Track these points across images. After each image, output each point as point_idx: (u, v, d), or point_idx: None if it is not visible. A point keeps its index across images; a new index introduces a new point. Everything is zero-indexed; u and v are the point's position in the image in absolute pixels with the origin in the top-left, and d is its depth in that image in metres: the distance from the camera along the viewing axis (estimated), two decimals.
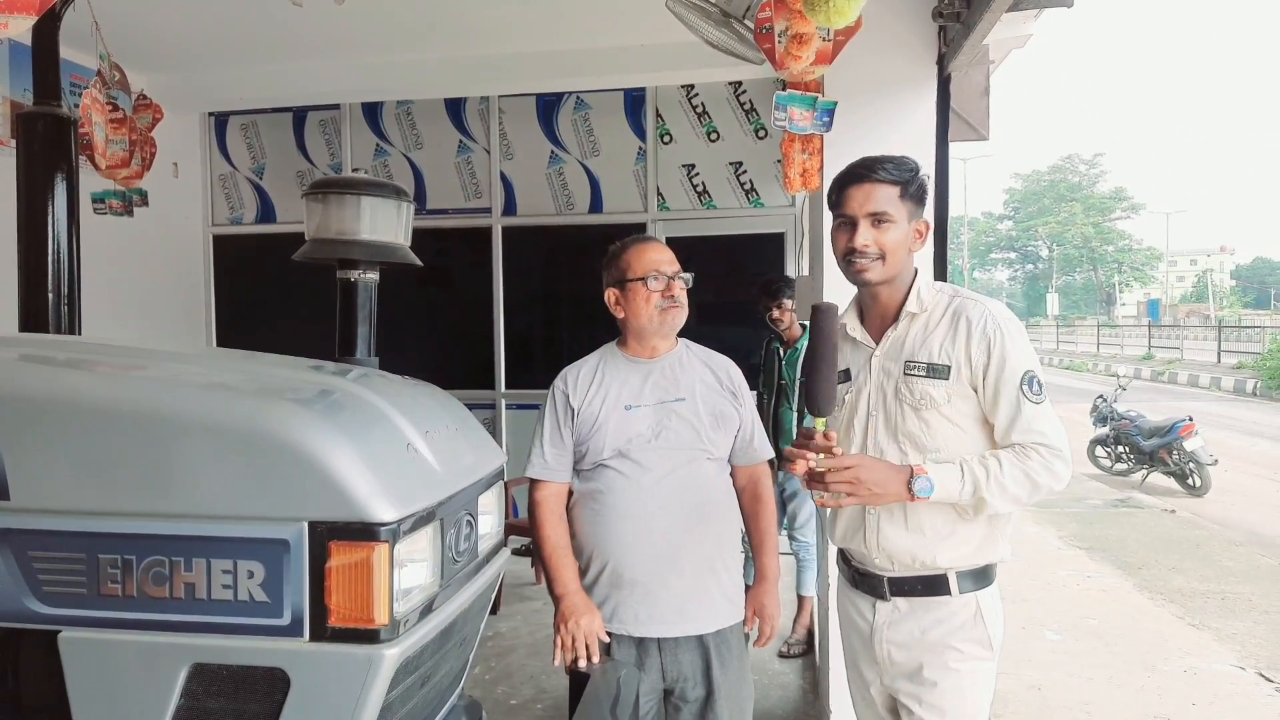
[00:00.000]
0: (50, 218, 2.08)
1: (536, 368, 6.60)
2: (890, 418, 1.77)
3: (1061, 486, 1.70)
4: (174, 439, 1.36)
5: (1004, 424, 1.70)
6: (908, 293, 1.80)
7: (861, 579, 1.85)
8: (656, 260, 2.05)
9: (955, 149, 4.33)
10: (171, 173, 6.30)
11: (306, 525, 1.31)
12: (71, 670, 1.33)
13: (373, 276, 2.04)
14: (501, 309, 6.63)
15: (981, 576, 1.78)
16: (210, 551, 1.32)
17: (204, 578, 1.32)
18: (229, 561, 1.32)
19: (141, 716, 1.31)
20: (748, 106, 6.12)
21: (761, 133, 6.11)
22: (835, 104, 2.62)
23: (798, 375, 3.51)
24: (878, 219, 1.74)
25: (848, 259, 1.76)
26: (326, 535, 1.31)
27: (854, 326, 1.87)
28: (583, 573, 2.00)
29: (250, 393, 1.48)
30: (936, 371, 1.72)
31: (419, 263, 2.19)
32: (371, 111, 6.68)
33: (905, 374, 1.75)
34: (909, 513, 1.75)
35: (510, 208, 6.56)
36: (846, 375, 1.85)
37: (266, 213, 6.92)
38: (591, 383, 2.05)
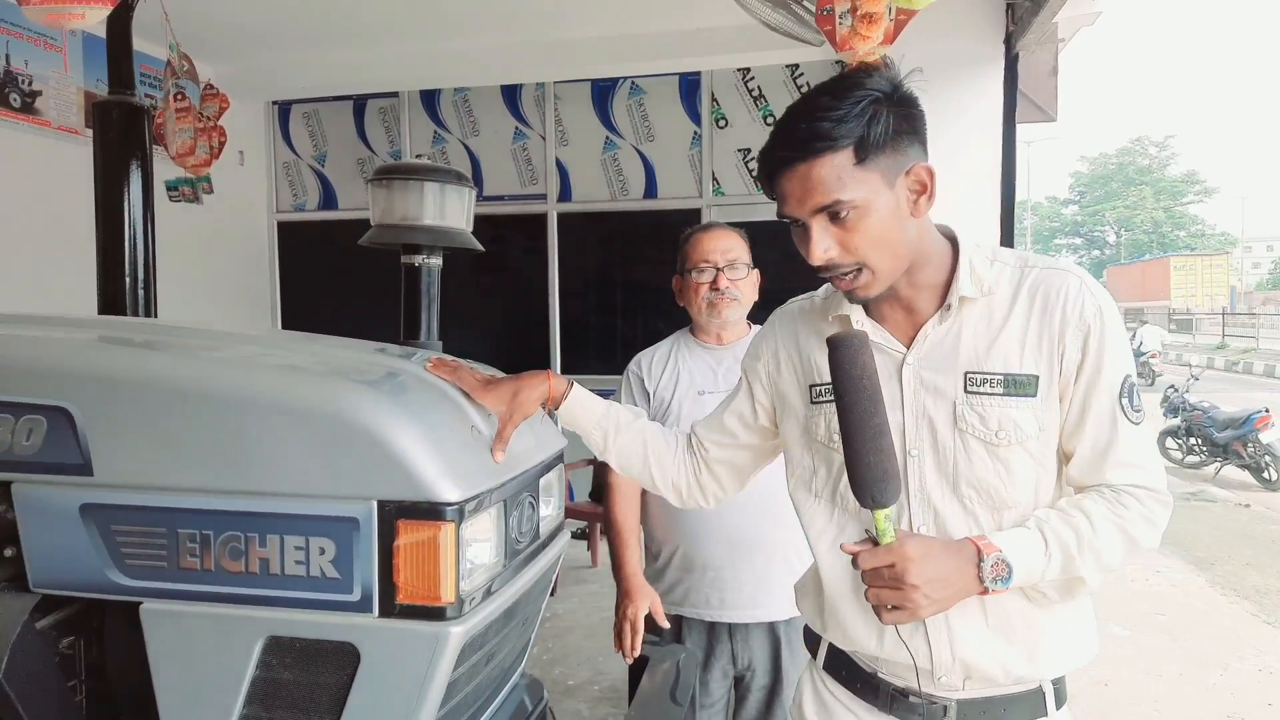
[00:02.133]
0: (126, 204, 2.15)
1: (591, 353, 6.64)
2: (946, 459, 1.24)
3: (1156, 545, 1.24)
4: (248, 418, 1.39)
5: (1090, 453, 1.21)
6: (952, 272, 1.27)
7: (899, 703, 1.30)
8: (707, 250, 2.05)
9: (1019, 131, 4.23)
10: (237, 160, 6.46)
11: (375, 504, 1.33)
12: (153, 640, 1.38)
13: (436, 261, 2.07)
14: (557, 295, 6.67)
15: (1064, 681, 1.31)
16: (283, 528, 1.36)
17: (277, 553, 1.36)
18: (301, 538, 1.35)
19: (219, 686, 1.35)
20: (805, 89, 6.05)
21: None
22: None
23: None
24: (832, 213, 1.17)
25: (822, 276, 1.26)
26: (395, 514, 1.33)
27: (859, 322, 1.31)
28: (655, 556, 2.02)
29: (321, 374, 1.51)
30: (1020, 386, 1.21)
31: (481, 247, 2.21)
32: (429, 99, 6.76)
33: (969, 391, 1.22)
34: (988, 600, 1.23)
35: (565, 194, 6.58)
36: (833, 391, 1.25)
37: (328, 199, 7.06)
38: (665, 367, 2.06)
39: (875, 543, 1.15)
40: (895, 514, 1.13)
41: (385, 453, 1.33)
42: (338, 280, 6.74)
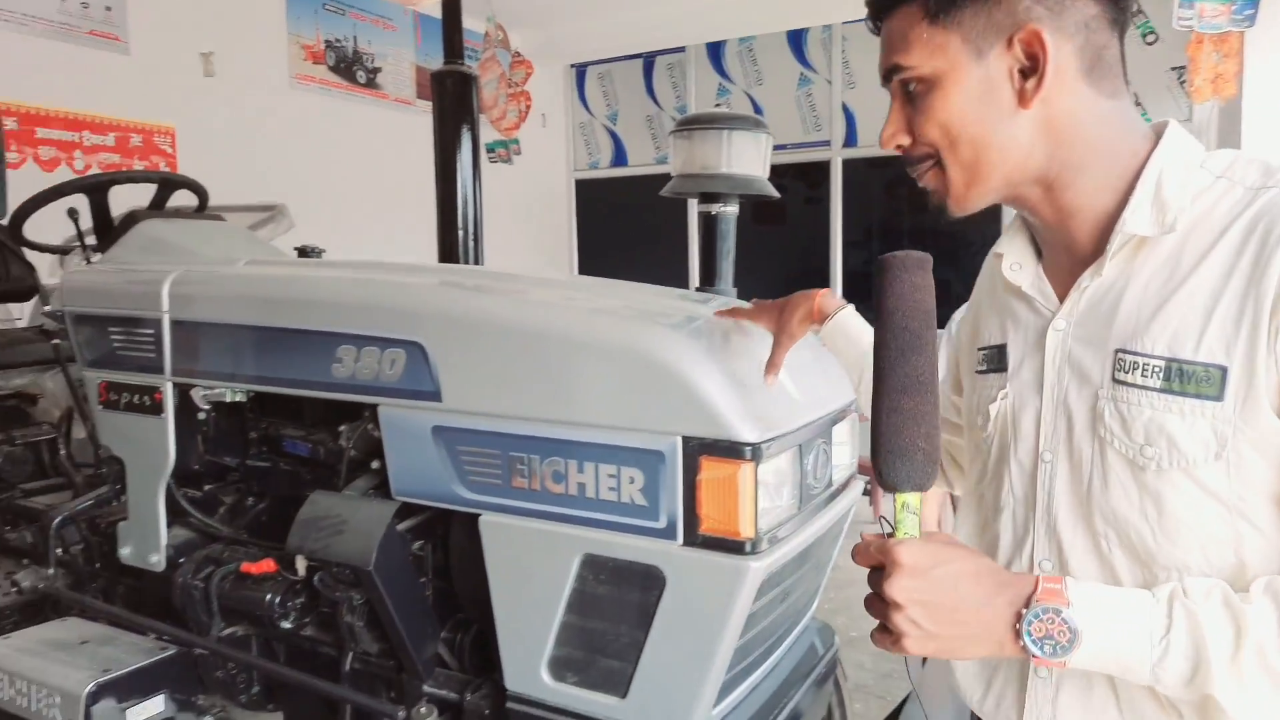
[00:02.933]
0: (459, 164, 2.43)
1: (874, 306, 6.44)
2: (1080, 474, 0.88)
3: None
4: (570, 355, 1.52)
5: None
6: (1127, 194, 0.85)
7: None
8: None
9: None
10: (541, 123, 6.94)
11: (680, 440, 1.41)
12: (490, 549, 1.56)
13: (732, 209, 2.11)
14: (839, 244, 6.52)
15: None
16: (598, 457, 1.47)
17: (593, 479, 1.48)
18: (613, 467, 1.46)
19: (543, 593, 1.51)
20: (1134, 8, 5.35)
21: (1150, 38, 5.30)
22: None
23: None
24: (902, 82, 0.90)
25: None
26: (698, 450, 1.40)
27: (1018, 263, 0.97)
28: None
29: (630, 317, 1.61)
30: (1189, 380, 0.79)
31: (776, 194, 2.22)
32: (715, 51, 6.82)
33: (1117, 380, 0.84)
34: (1125, 683, 0.84)
35: (851, 139, 6.38)
36: (998, 359, 0.98)
37: (619, 156, 7.39)
38: None
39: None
40: (918, 506, 0.80)
41: (690, 393, 1.40)
42: (628, 233, 7.08)
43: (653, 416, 1.43)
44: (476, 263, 2.46)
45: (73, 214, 2.11)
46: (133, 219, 2.14)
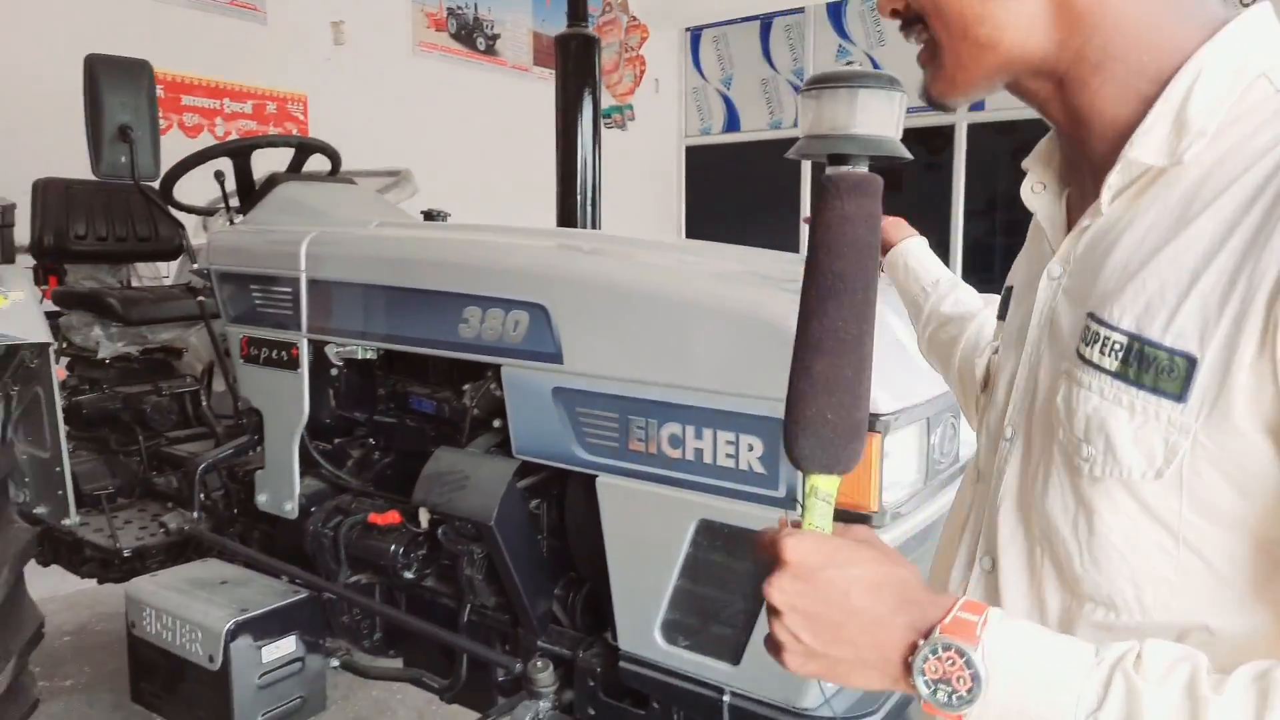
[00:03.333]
0: (579, 128, 2.44)
1: (998, 278, 6.17)
2: (1030, 462, 0.71)
3: None
4: (687, 320, 1.50)
5: None
6: (1153, 102, 0.64)
7: None
8: None
9: None
10: (653, 88, 6.90)
11: None
12: (606, 510, 1.58)
13: (862, 171, 2.03)
14: (961, 212, 6.27)
15: None
16: (716, 423, 1.46)
17: (710, 445, 1.46)
18: (732, 434, 1.45)
19: (659, 557, 1.52)
20: None
21: None
22: None
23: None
24: None
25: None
26: None
27: (1041, 183, 0.77)
28: None
29: (749, 281, 1.58)
30: (1150, 365, 0.61)
31: (909, 156, 2.12)
32: (835, 12, 6.60)
33: (1079, 351, 0.66)
34: None
35: (978, 103, 6.10)
36: (1005, 302, 0.83)
37: (732, 121, 7.28)
38: None
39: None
40: (832, 492, 0.65)
41: None
42: (738, 199, 6.99)
43: (775, 383, 1.40)
44: (594, 227, 2.48)
45: (219, 176, 2.22)
46: (272, 182, 2.24)
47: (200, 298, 2.69)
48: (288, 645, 1.94)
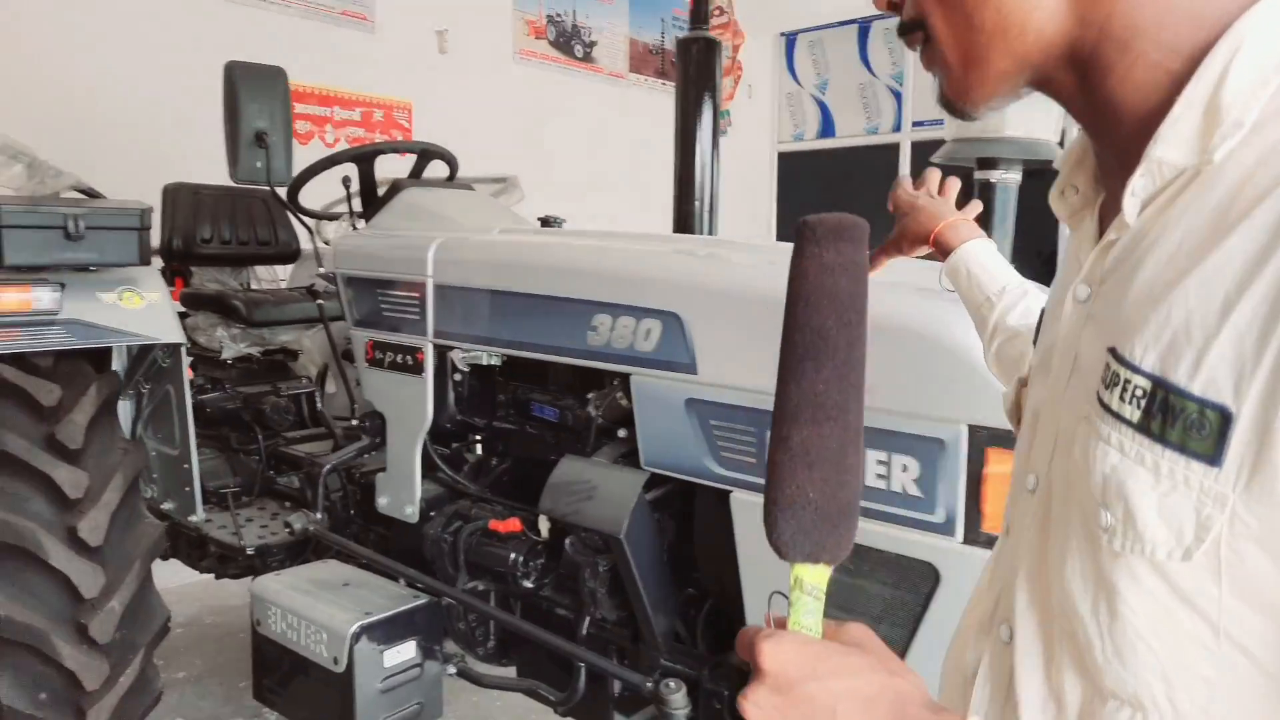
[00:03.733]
0: (699, 133, 2.40)
1: None
2: (1050, 521, 0.59)
3: None
4: None
5: None
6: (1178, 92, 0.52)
7: None
8: None
9: None
10: (746, 94, 6.83)
11: (965, 428, 1.30)
12: (741, 527, 1.53)
13: (1014, 177, 1.95)
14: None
15: None
16: (867, 442, 1.39)
17: None
18: (883, 453, 1.38)
19: None
20: None
21: None
22: None
23: None
24: None
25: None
26: (986, 441, 1.29)
27: (1072, 186, 0.66)
28: None
29: (908, 292, 1.50)
30: (1178, 418, 0.48)
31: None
32: None
33: (1099, 395, 0.53)
34: None
35: None
36: (1039, 325, 0.72)
37: (826, 127, 7.15)
38: None
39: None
40: (821, 586, 0.57)
41: (983, 378, 1.28)
42: (831, 206, 6.86)
43: (935, 401, 1.33)
44: (710, 234, 2.43)
45: (346, 182, 2.26)
46: (396, 188, 2.26)
47: (320, 301, 2.75)
48: (408, 650, 1.94)
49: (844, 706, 0.51)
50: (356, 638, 1.86)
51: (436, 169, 2.57)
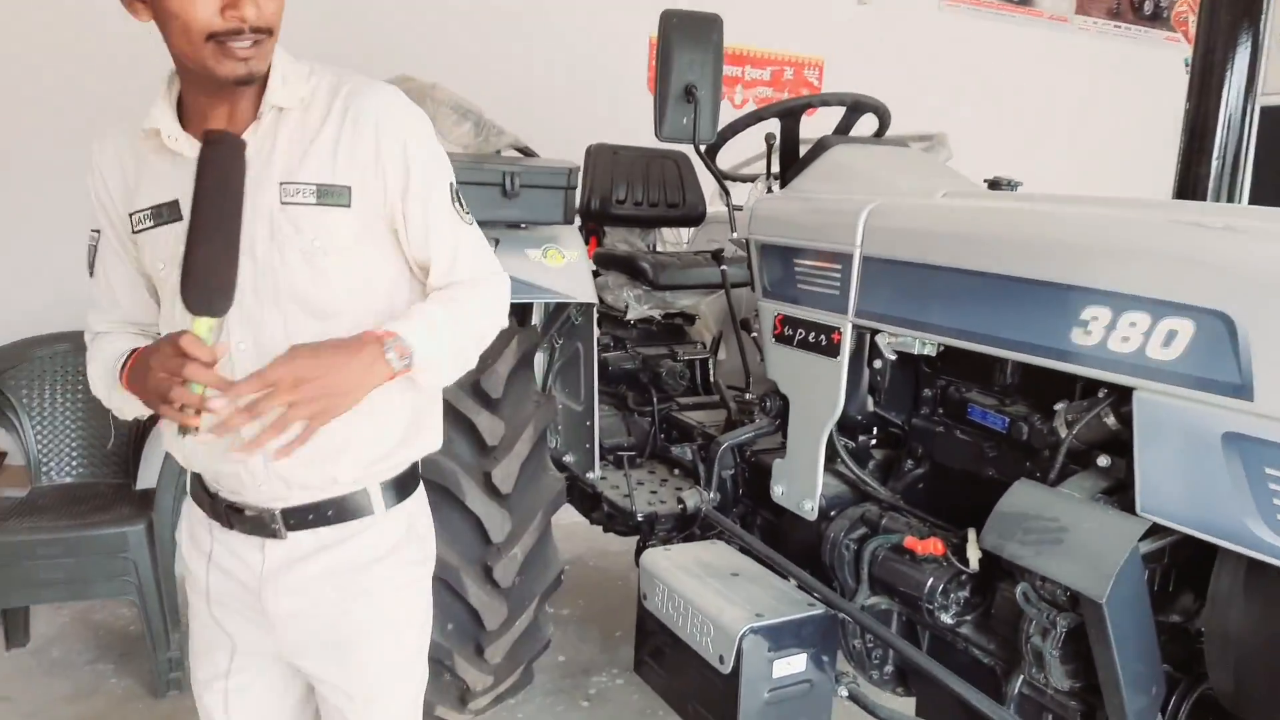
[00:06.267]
0: (1229, 73, 1.83)
1: None
2: (266, 270, 1.14)
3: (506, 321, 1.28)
4: None
5: (445, 262, 1.21)
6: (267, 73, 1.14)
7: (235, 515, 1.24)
8: None
9: None
10: None
11: None
12: None
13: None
14: None
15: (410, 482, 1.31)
16: None
17: None
18: None
19: None
20: None
21: None
22: None
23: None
24: None
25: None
26: None
27: (171, 129, 1.16)
28: None
29: None
30: (334, 195, 1.14)
31: None
32: None
33: (285, 202, 1.13)
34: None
35: None
36: (173, 212, 1.16)
37: None
38: None
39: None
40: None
41: None
42: None
43: None
44: (1231, 202, 1.86)
45: (769, 139, 2.06)
46: (823, 145, 2.01)
47: (723, 266, 2.62)
48: (799, 663, 1.74)
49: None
50: (746, 640, 1.69)
51: (859, 127, 2.29)
